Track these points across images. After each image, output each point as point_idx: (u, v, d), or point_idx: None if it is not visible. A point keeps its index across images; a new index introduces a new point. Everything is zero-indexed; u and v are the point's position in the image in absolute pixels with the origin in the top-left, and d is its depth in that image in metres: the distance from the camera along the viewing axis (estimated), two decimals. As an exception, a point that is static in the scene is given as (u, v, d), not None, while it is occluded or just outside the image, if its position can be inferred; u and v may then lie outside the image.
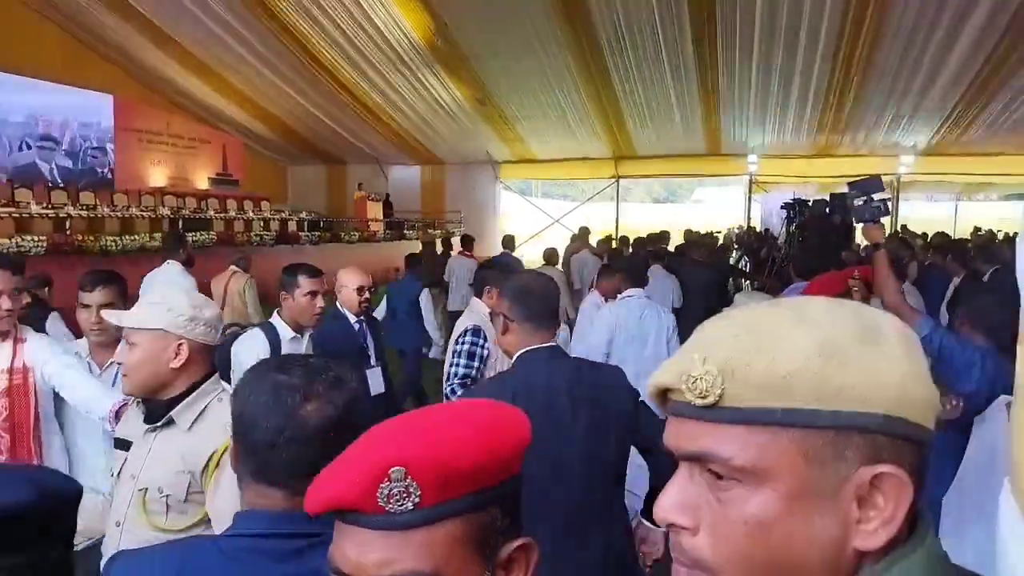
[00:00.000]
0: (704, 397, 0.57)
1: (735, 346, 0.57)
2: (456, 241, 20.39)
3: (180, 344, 1.73)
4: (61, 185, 13.87)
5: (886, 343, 0.56)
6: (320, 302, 3.20)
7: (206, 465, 1.68)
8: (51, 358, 2.41)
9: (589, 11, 11.89)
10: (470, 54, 13.97)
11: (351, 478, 0.69)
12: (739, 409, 0.56)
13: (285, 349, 3.06)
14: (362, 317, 3.65)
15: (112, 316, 1.86)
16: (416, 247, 18.12)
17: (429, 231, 20.05)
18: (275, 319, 3.27)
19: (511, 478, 0.74)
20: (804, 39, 11.92)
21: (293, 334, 3.19)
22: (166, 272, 5.96)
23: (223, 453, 1.63)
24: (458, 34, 13.18)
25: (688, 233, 12.86)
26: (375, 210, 19.49)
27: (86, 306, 2.56)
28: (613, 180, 20.05)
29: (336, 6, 12.45)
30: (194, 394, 1.75)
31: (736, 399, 0.56)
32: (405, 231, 19.55)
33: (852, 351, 0.55)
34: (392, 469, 0.67)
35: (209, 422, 1.72)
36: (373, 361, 3.64)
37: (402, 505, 0.67)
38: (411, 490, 0.67)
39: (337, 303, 3.66)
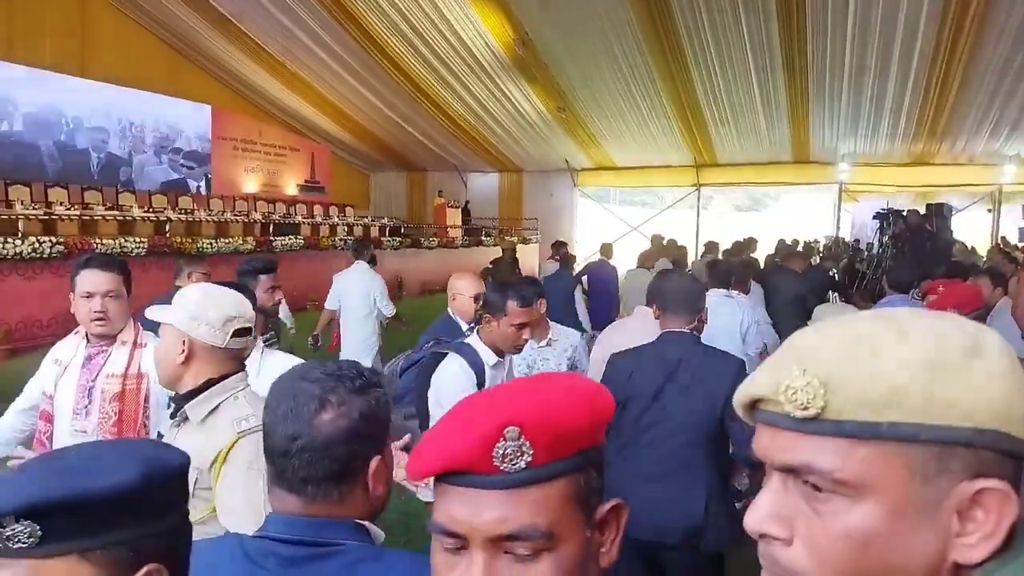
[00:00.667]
0: (805, 409, 0.57)
1: (837, 358, 0.57)
2: (532, 248, 20.50)
3: (184, 340, 1.75)
4: (162, 191, 14.74)
5: (990, 358, 0.55)
6: (527, 334, 2.82)
7: (214, 460, 1.69)
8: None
9: (671, 14, 11.73)
10: (550, 62, 14.03)
11: (468, 439, 0.72)
12: (841, 422, 0.56)
13: (488, 376, 2.75)
14: (473, 323, 3.41)
15: (150, 311, 1.86)
16: (494, 252, 18.31)
17: (507, 238, 20.20)
18: (475, 341, 2.85)
19: (601, 444, 0.79)
20: (900, 38, 11.38)
21: (496, 359, 2.82)
22: (355, 270, 6.78)
23: (230, 449, 1.68)
24: (538, 42, 13.27)
25: (782, 244, 11.93)
26: (454, 217, 19.77)
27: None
28: (694, 188, 19.70)
29: (421, 17, 12.74)
30: (209, 391, 1.76)
31: (838, 412, 0.56)
32: (483, 237, 19.75)
33: (957, 365, 0.55)
34: (507, 429, 0.70)
35: (220, 419, 1.74)
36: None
37: (515, 464, 0.71)
38: (524, 449, 0.71)
39: (449, 309, 3.63)
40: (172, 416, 1.82)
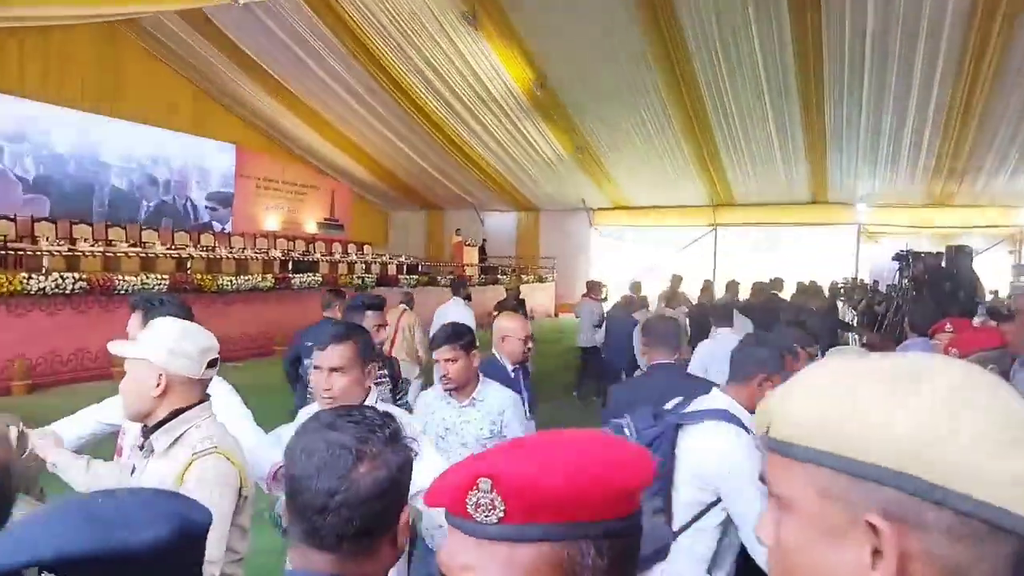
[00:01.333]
0: (765, 428, 0.64)
1: (784, 389, 0.63)
2: (547, 287, 20.47)
3: (160, 375, 1.75)
4: (185, 228, 14.99)
5: (920, 401, 0.55)
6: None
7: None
8: (223, 407, 2.21)
9: (689, 56, 11.89)
10: (568, 103, 14.22)
11: (448, 481, 0.72)
12: (778, 441, 0.61)
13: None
14: (518, 366, 3.45)
15: (113, 346, 1.86)
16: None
17: (512, 278, 20.26)
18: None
19: (617, 519, 0.70)
20: (918, 80, 11.44)
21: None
22: (453, 304, 7.89)
23: (185, 471, 1.68)
24: (557, 84, 13.47)
25: (800, 286, 11.79)
26: (471, 255, 19.88)
27: (317, 368, 2.21)
28: (710, 228, 19.70)
29: (441, 59, 13.00)
30: (175, 420, 1.76)
31: (776, 431, 0.62)
32: (499, 276, 19.80)
33: (877, 401, 0.56)
34: (480, 479, 0.69)
35: (183, 447, 1.73)
36: (528, 414, 3.36)
37: (487, 517, 0.69)
38: (496, 503, 0.68)
39: (494, 350, 3.50)
40: (140, 447, 1.82)
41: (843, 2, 9.94)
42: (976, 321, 7.90)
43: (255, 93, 16.03)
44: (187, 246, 13.19)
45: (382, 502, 1.05)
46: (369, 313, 3.55)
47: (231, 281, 11.78)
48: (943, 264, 11.72)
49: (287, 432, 2.20)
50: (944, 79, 11.29)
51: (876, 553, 0.55)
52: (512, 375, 3.40)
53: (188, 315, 2.37)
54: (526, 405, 3.39)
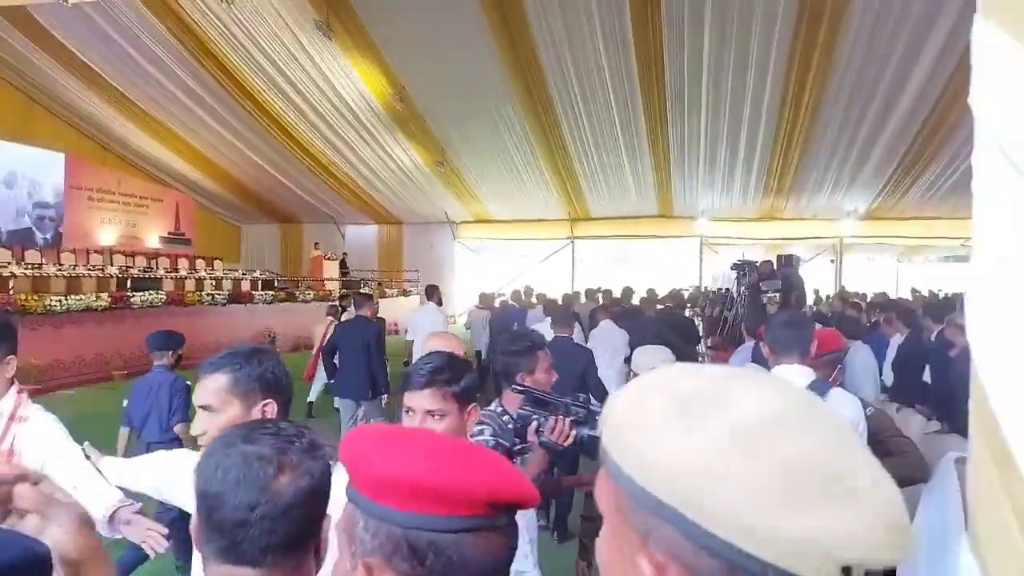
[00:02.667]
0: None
1: (621, 401, 0.59)
2: (412, 300, 20.31)
3: None
4: (6, 243, 13.51)
5: (703, 430, 0.51)
6: None
7: None
8: (51, 455, 2.06)
9: (544, 79, 12.30)
10: (428, 117, 14.24)
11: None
12: (606, 453, 0.58)
13: None
14: None
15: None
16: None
17: (385, 290, 20.00)
18: None
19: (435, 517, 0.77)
20: (748, 109, 12.51)
21: None
22: (427, 309, 8.21)
23: None
24: (416, 97, 13.45)
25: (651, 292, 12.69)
26: (331, 269, 19.34)
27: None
28: (568, 241, 20.39)
29: (294, 67, 12.61)
30: None
31: (604, 444, 0.59)
32: (361, 290, 19.39)
33: (664, 428, 0.53)
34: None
35: None
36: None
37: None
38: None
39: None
40: None
41: (681, 37, 10.67)
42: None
43: (87, 99, 14.78)
44: (9, 263, 11.92)
45: (305, 512, 1.01)
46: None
47: (60, 301, 10.75)
48: (773, 272, 12.82)
49: (173, 457, 2.00)
50: (771, 109, 12.43)
51: None
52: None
53: (9, 332, 2.13)
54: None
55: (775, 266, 13.12)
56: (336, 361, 6.65)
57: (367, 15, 11.07)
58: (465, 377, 1.84)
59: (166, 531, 2.01)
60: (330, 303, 11.21)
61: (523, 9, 10.49)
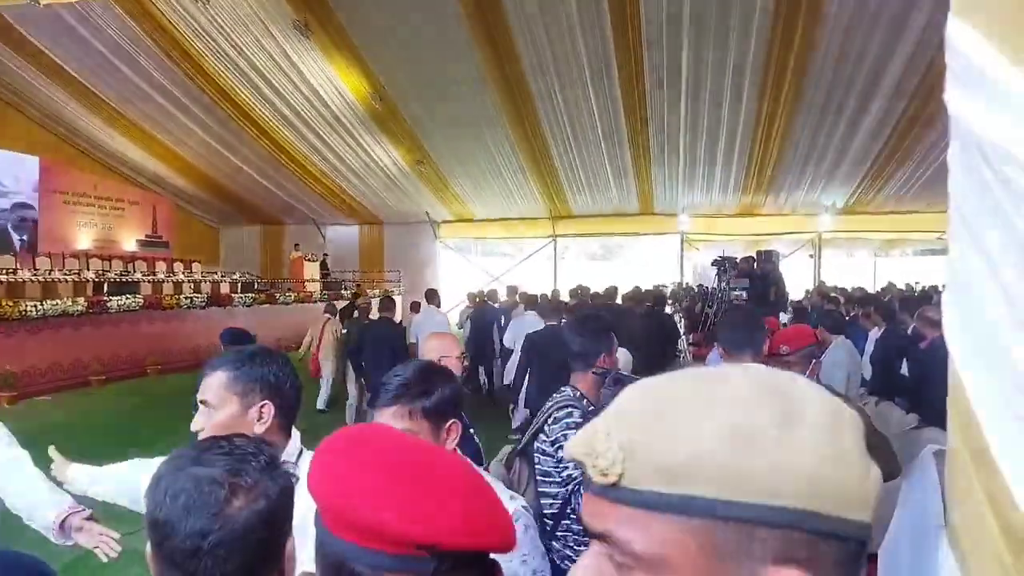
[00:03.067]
0: (605, 475, 0.52)
1: (641, 422, 0.53)
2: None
3: None
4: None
5: (805, 427, 0.50)
6: None
7: None
8: None
9: (524, 77, 12.28)
10: (408, 116, 14.17)
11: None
12: (638, 491, 0.51)
13: None
14: None
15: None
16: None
17: (367, 291, 19.91)
18: None
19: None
20: (727, 106, 12.59)
21: None
22: (429, 311, 8.71)
23: None
24: (396, 96, 13.38)
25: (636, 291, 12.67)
26: (312, 270, 19.23)
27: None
28: (550, 239, 20.40)
29: (272, 67, 12.49)
30: None
31: (635, 480, 0.51)
32: (343, 291, 19.30)
33: (764, 436, 0.49)
34: None
35: None
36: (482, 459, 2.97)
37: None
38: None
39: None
40: None
41: (660, 34, 10.71)
42: (784, 319, 8.79)
43: (61, 101, 14.55)
44: (-20, 269, 11.72)
45: (263, 536, 0.94)
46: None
47: (36, 306, 10.59)
48: (753, 268, 12.93)
49: (139, 466, 1.94)
50: (749, 106, 12.50)
51: None
52: None
53: None
54: (471, 429, 2.90)
55: (755, 262, 13.26)
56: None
57: (345, 14, 10.99)
58: (437, 391, 1.60)
59: (118, 535, 1.96)
60: (327, 302, 11.58)
61: (502, 7, 10.47)
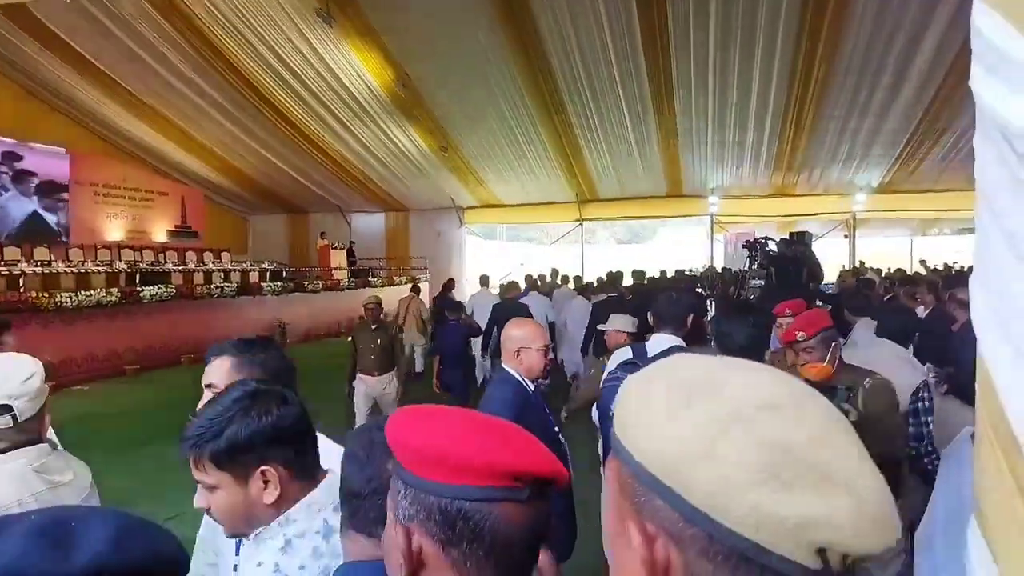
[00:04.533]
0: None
1: (626, 392, 0.63)
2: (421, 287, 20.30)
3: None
4: (15, 240, 13.55)
5: (692, 410, 0.56)
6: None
7: None
8: None
9: (548, 60, 12.12)
10: (431, 102, 14.10)
11: None
12: (615, 438, 0.62)
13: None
14: (540, 381, 2.88)
15: None
16: (383, 293, 17.92)
17: (394, 277, 19.99)
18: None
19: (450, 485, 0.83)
20: (757, 84, 12.29)
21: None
22: (483, 293, 9.70)
23: None
24: (419, 83, 13.31)
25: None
26: (338, 258, 19.34)
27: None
28: (577, 223, 20.26)
29: (297, 57, 12.49)
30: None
31: (616, 432, 0.63)
32: (370, 279, 19.40)
33: (657, 405, 0.58)
34: None
35: None
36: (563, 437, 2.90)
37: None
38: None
39: (505, 364, 2.88)
40: None
41: (687, 13, 10.47)
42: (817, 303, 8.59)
43: (89, 94, 14.73)
44: (19, 261, 11.96)
45: None
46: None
47: (71, 297, 10.78)
48: (786, 250, 12.68)
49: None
50: (780, 83, 12.20)
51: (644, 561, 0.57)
52: (533, 395, 2.84)
53: None
54: (556, 428, 2.86)
55: (787, 244, 13.00)
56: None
57: (367, 1, 10.93)
58: (230, 428, 1.31)
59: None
60: (413, 282, 12.99)
61: (525, -12, 10.33)
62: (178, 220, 18.79)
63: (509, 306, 7.85)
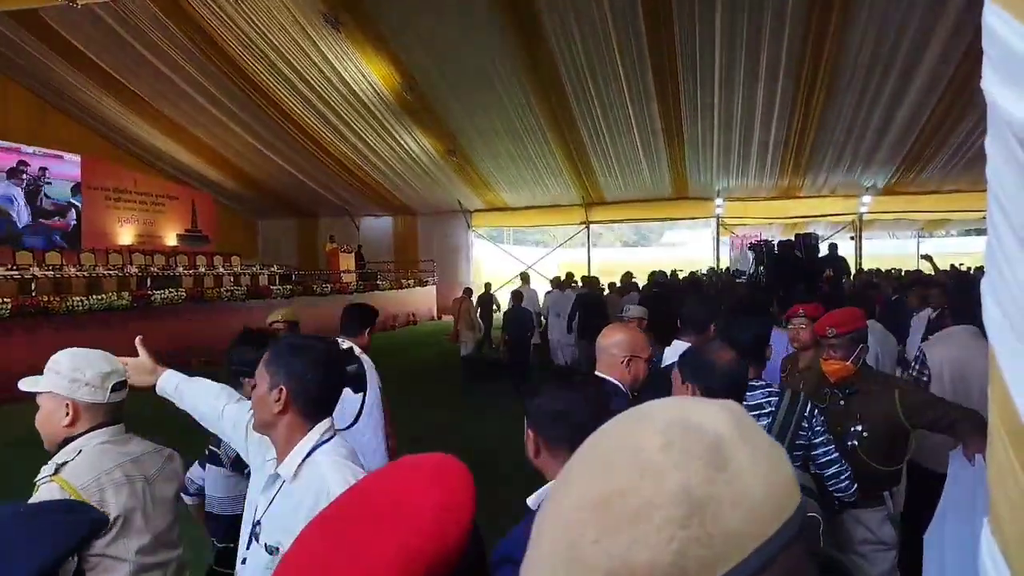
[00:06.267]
0: None
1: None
2: (428, 290, 20.30)
3: (67, 404, 1.85)
4: (27, 246, 13.71)
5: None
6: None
7: None
8: None
9: (555, 64, 12.20)
10: (439, 107, 14.20)
11: None
12: None
13: None
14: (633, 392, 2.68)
15: (23, 383, 1.90)
16: (391, 297, 18.10)
17: (402, 280, 20.06)
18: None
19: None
20: (763, 86, 12.33)
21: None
22: (529, 289, 11.46)
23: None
24: (427, 87, 13.41)
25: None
26: (347, 262, 19.44)
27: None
28: (583, 226, 20.31)
29: (304, 61, 12.61)
30: (72, 443, 1.85)
31: None
32: (378, 281, 19.49)
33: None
34: None
35: (71, 466, 1.78)
36: None
37: None
38: None
39: (606, 373, 2.66)
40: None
41: (693, 17, 10.53)
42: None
43: (100, 99, 14.91)
44: (31, 265, 12.10)
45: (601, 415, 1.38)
46: None
47: (82, 302, 10.90)
48: (791, 252, 12.68)
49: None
50: (785, 86, 12.25)
51: None
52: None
53: None
54: None
55: (793, 246, 13.00)
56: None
57: (374, 6, 11.04)
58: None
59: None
60: (464, 287, 13.58)
61: (531, -6, 10.41)
62: (188, 224, 18.95)
63: (591, 296, 9.86)
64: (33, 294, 10.73)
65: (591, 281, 11.76)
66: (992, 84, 0.87)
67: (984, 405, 1.09)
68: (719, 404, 0.50)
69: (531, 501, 1.45)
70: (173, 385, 2.22)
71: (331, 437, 1.71)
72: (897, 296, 8.42)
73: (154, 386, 2.25)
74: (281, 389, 1.65)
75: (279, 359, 1.69)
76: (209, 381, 2.22)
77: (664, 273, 12.83)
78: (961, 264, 16.37)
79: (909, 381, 3.63)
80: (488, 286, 13.27)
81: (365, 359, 3.06)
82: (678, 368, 2.21)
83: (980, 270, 11.99)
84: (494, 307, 12.66)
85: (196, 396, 2.15)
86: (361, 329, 3.66)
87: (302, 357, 1.69)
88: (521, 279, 12.55)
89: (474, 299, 11.73)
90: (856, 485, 2.58)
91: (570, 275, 13.76)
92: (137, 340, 2.33)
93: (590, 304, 9.43)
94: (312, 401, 1.68)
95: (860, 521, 2.83)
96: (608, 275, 14.44)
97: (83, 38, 12.52)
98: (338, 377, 1.75)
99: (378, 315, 3.91)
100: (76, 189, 15.90)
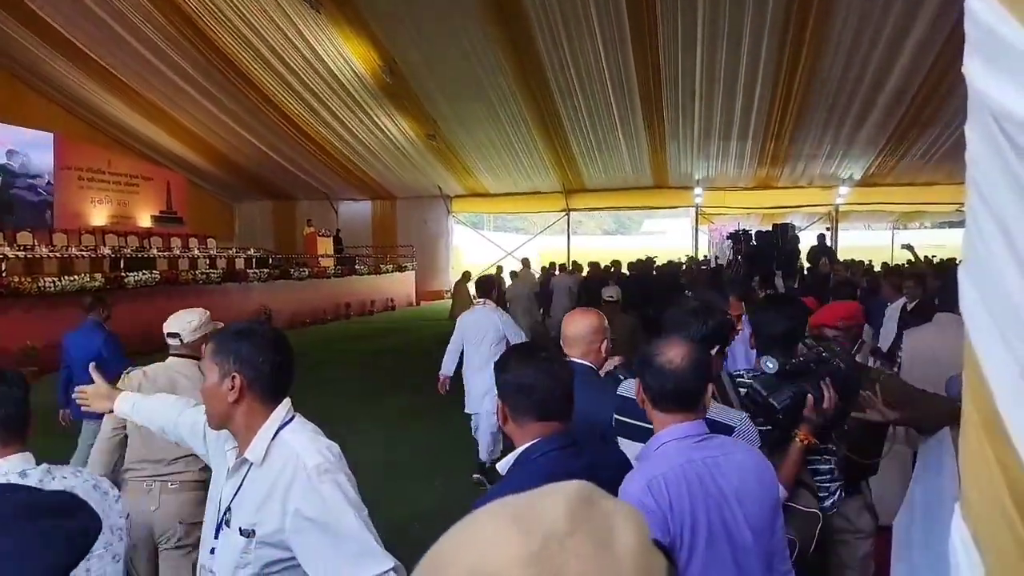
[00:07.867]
0: None
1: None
2: (408, 276, 20.30)
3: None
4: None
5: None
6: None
7: None
8: None
9: (537, 51, 12.15)
10: (419, 90, 14.08)
11: None
12: None
13: None
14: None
15: None
16: (370, 282, 18.06)
17: (380, 266, 20.00)
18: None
19: None
20: (743, 77, 12.39)
21: None
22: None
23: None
24: (406, 70, 13.28)
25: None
26: (325, 246, 19.29)
27: None
28: (563, 213, 20.32)
29: (282, 41, 12.43)
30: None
31: None
32: (356, 266, 19.37)
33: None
34: None
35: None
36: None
37: None
38: None
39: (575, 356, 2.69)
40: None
41: (675, 4, 10.51)
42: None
43: (75, 78, 14.58)
44: (1, 245, 11.86)
45: (569, 391, 1.72)
46: None
47: (54, 282, 10.71)
48: (769, 241, 12.84)
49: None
50: (766, 77, 12.31)
51: None
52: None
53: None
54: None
55: (772, 237, 13.16)
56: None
57: (355, -13, 10.90)
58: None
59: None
60: (463, 271, 14.26)
61: (513, -22, 10.33)
62: (163, 206, 18.65)
63: (594, 283, 10.51)
64: (3, 275, 10.52)
65: (594, 266, 12.87)
66: (974, 68, 0.85)
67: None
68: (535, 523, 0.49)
69: (500, 466, 1.69)
70: (130, 404, 2.22)
71: (292, 419, 1.70)
72: (865, 287, 8.55)
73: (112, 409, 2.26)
74: (234, 377, 1.64)
75: (225, 347, 1.67)
76: (165, 395, 2.29)
77: (642, 260, 13.35)
78: (934, 257, 16.62)
79: (885, 371, 3.69)
80: (499, 269, 14.75)
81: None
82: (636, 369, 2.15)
83: (952, 261, 12.18)
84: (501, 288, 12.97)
85: (153, 411, 2.17)
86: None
87: (249, 341, 1.67)
88: (522, 264, 13.80)
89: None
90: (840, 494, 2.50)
91: (553, 264, 14.35)
92: (91, 367, 2.32)
93: (592, 288, 10.27)
94: (269, 384, 1.67)
95: (839, 511, 2.87)
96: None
97: (58, 16, 12.22)
98: (288, 355, 1.72)
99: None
100: (48, 168, 15.56)
